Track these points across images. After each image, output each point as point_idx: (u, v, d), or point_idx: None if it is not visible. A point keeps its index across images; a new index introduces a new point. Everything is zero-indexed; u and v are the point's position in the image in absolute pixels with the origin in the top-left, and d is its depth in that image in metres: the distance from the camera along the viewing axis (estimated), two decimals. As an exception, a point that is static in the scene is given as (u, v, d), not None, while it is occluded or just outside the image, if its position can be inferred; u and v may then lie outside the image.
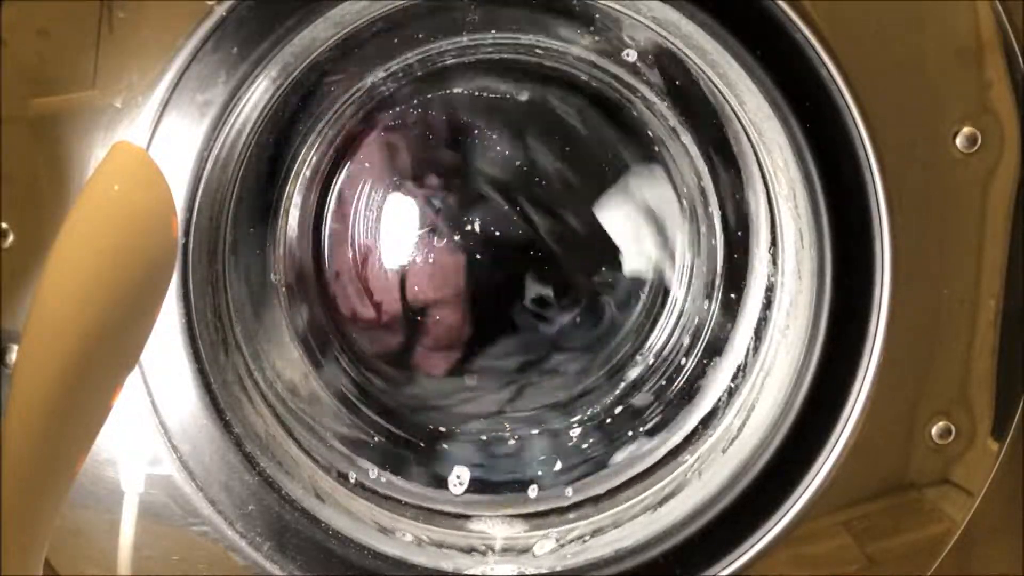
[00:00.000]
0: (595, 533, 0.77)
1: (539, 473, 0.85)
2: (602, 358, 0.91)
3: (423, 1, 0.74)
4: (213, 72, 0.65)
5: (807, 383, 0.68)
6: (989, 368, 0.67)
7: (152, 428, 0.68)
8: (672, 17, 0.68)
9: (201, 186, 0.67)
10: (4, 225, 0.64)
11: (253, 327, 0.79)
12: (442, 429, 0.90)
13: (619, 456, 0.84)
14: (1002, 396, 0.67)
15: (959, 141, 0.65)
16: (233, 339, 0.75)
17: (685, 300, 0.89)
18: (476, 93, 0.88)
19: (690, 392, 0.83)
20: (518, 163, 0.90)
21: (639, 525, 0.75)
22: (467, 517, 0.81)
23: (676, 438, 0.80)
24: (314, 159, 0.86)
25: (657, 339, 0.91)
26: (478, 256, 0.91)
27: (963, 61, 0.65)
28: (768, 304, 0.77)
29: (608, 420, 0.89)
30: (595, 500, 0.80)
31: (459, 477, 0.79)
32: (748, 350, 0.78)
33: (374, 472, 0.81)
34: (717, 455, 0.75)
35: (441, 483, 0.83)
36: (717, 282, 0.85)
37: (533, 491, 0.83)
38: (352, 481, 0.79)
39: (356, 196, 0.89)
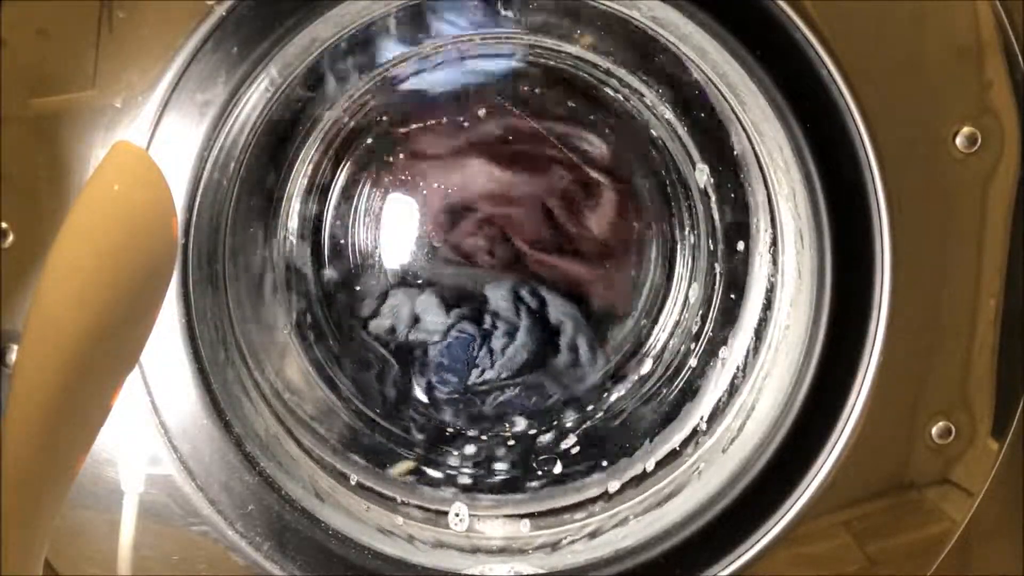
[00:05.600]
0: (595, 533, 0.77)
1: (539, 474, 0.85)
2: (602, 358, 0.92)
3: (423, 1, 0.74)
4: (213, 72, 0.65)
5: (807, 383, 0.68)
6: (989, 368, 0.67)
7: (152, 428, 0.68)
8: (672, 17, 0.68)
9: (201, 186, 0.68)
10: (4, 225, 0.64)
11: (253, 327, 0.79)
12: (446, 430, 0.90)
13: (619, 457, 0.83)
14: (1002, 396, 0.67)
15: (959, 141, 0.65)
16: (233, 339, 0.75)
17: (685, 300, 0.89)
18: (478, 93, 0.88)
19: (690, 392, 0.83)
20: (521, 162, 0.90)
21: (639, 525, 0.75)
22: (468, 517, 0.81)
23: (676, 438, 0.80)
24: (314, 159, 0.86)
25: (657, 339, 0.91)
26: (477, 253, 0.91)
27: (963, 61, 0.65)
28: (768, 304, 0.77)
29: (608, 421, 0.89)
30: (595, 500, 0.80)
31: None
32: (748, 350, 0.78)
33: (374, 471, 0.81)
34: (717, 455, 0.75)
35: (440, 484, 0.84)
36: (717, 282, 0.85)
37: (533, 492, 0.83)
38: (352, 482, 0.79)
39: (356, 196, 0.89)
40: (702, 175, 0.83)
